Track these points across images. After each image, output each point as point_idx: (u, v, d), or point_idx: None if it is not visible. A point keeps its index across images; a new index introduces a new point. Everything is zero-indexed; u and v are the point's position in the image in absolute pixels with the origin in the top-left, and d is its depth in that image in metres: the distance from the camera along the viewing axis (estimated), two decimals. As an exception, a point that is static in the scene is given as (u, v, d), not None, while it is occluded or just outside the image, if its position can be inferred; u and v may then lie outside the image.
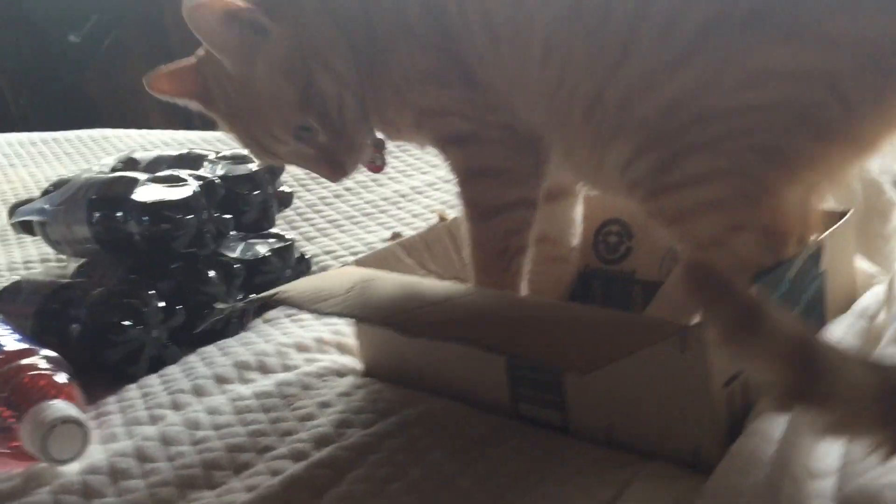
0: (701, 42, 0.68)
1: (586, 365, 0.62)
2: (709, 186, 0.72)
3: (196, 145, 1.91)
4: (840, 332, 0.76)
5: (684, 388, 0.67)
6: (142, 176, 1.10)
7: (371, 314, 0.79)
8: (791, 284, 0.75)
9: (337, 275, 0.87)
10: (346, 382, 0.90)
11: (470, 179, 0.85)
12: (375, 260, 0.95)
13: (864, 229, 0.98)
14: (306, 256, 1.23)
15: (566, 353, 0.65)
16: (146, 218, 1.05)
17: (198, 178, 1.10)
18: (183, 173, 1.09)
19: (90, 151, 2.28)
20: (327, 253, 1.29)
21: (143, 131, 2.35)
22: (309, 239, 1.35)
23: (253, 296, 0.87)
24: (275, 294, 0.83)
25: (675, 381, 0.68)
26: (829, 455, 0.61)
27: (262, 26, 0.80)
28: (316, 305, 0.79)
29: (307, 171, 0.92)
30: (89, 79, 3.70)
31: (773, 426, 0.65)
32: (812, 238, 0.78)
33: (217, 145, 1.93)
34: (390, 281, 0.85)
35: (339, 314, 0.80)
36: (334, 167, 0.86)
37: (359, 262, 0.94)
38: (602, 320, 0.73)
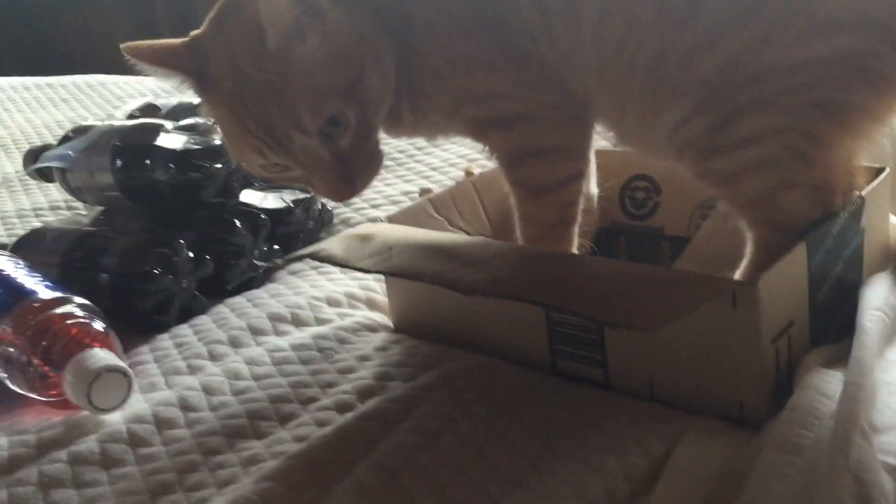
0: None
1: (650, 323, 0.62)
2: (764, 146, 0.71)
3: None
4: (884, 291, 0.76)
5: (733, 344, 0.68)
6: (167, 124, 1.08)
7: (418, 272, 0.77)
8: (835, 240, 0.75)
9: (372, 232, 0.86)
10: (380, 337, 0.89)
11: (520, 161, 0.84)
12: (405, 216, 0.95)
13: (893, 186, 0.99)
14: (329, 208, 1.22)
15: (628, 311, 0.65)
16: (173, 166, 1.03)
17: (224, 126, 1.07)
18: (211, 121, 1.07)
19: (87, 97, 2.24)
20: (347, 205, 1.28)
21: (139, 78, 2.31)
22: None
23: (296, 253, 0.86)
24: (319, 251, 0.82)
25: (723, 337, 0.68)
26: (889, 409, 0.62)
27: (321, 10, 0.76)
28: (362, 263, 0.78)
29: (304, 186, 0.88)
30: (62, 25, 3.62)
31: (827, 381, 0.66)
32: (855, 193, 0.78)
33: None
34: (430, 238, 0.84)
35: (387, 272, 0.79)
36: (345, 179, 0.79)
37: (390, 219, 0.94)
38: (653, 277, 0.73)
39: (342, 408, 0.77)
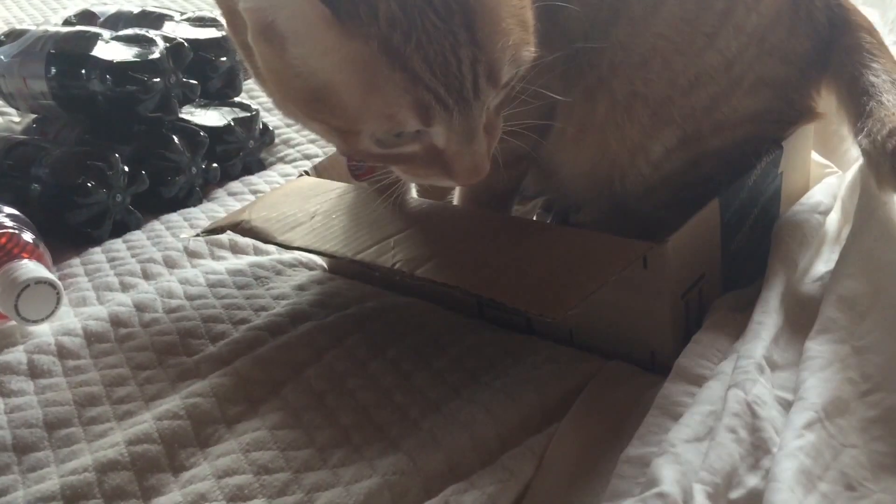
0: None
1: (558, 309, 0.62)
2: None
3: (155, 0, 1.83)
4: (793, 225, 0.79)
5: (644, 300, 0.70)
6: (105, 33, 1.05)
7: (340, 247, 0.75)
8: (750, 190, 0.78)
9: (296, 194, 0.84)
10: (318, 273, 0.90)
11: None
12: (330, 163, 0.93)
13: (823, 128, 1.02)
14: (270, 128, 1.21)
15: (537, 296, 0.65)
16: (110, 77, 1.01)
17: (165, 39, 1.05)
18: (150, 33, 1.05)
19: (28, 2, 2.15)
20: (289, 126, 1.27)
21: None
22: (269, 110, 1.32)
23: (214, 224, 0.84)
24: (237, 223, 0.80)
25: (635, 293, 0.70)
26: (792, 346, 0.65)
27: None
28: (284, 237, 0.77)
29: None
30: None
31: (733, 320, 0.69)
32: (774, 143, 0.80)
33: (178, 3, 1.84)
34: (349, 204, 0.82)
35: (309, 249, 0.76)
36: (486, 155, 0.63)
37: (317, 168, 0.92)
38: (569, 248, 0.71)
39: (274, 330, 0.79)
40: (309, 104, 0.59)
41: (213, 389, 0.70)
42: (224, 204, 1.06)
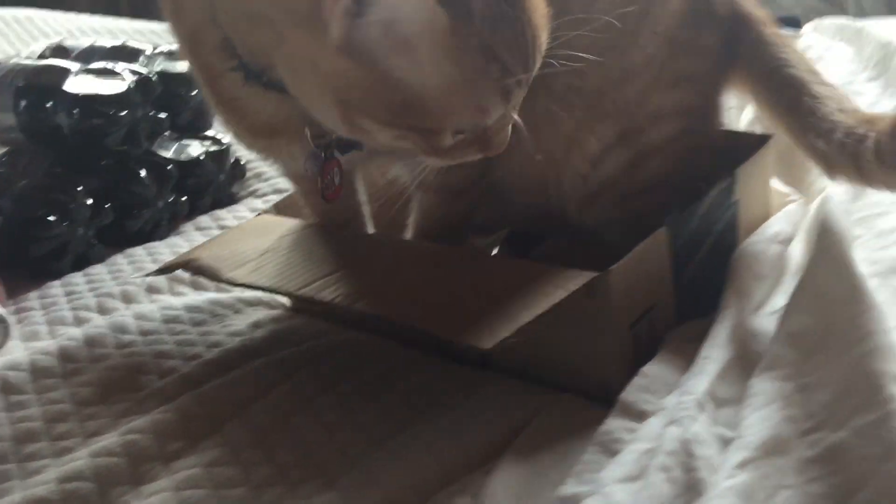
0: None
1: (488, 339, 0.62)
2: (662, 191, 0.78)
3: (128, 35, 1.84)
4: (749, 256, 0.78)
5: (592, 331, 0.69)
6: (74, 66, 1.05)
7: (283, 283, 0.75)
8: (702, 219, 0.77)
9: (252, 231, 0.84)
10: (277, 312, 0.88)
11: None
12: (291, 201, 0.92)
13: (789, 157, 1.01)
14: (241, 162, 1.21)
15: (469, 326, 0.64)
16: (77, 111, 1.01)
17: (133, 72, 1.05)
18: (118, 67, 1.05)
19: (13, 32, 2.17)
20: (262, 163, 1.26)
21: (71, 15, 2.24)
22: (245, 144, 1.32)
23: (167, 264, 0.84)
24: (188, 262, 0.80)
25: (583, 325, 0.69)
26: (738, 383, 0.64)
27: None
28: (230, 274, 0.76)
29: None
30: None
31: (683, 354, 0.68)
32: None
33: (150, 37, 1.85)
34: (301, 241, 0.81)
35: (252, 285, 0.76)
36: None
37: (277, 207, 0.92)
38: (513, 275, 0.71)
39: (224, 366, 0.78)
40: (393, 112, 0.59)
41: (154, 426, 0.69)
42: (190, 238, 1.06)
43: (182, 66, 1.14)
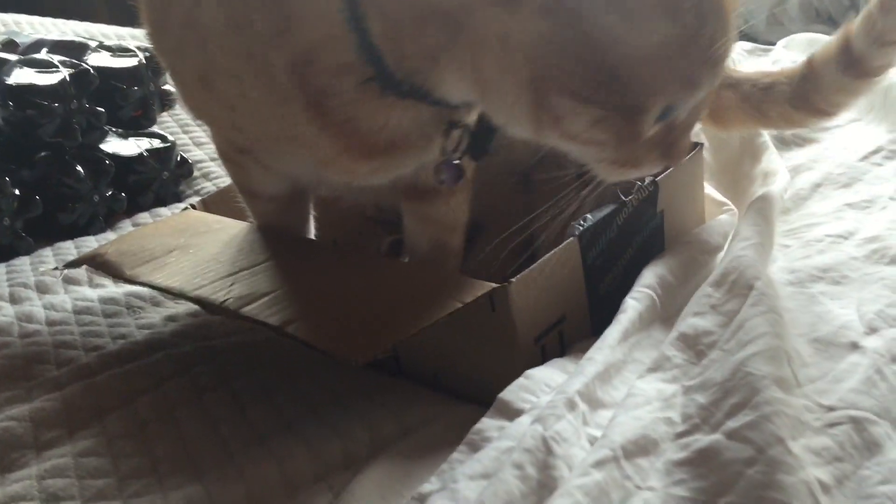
0: None
1: (365, 352, 0.59)
2: None
3: (112, 40, 1.84)
4: (662, 269, 0.75)
5: (496, 343, 0.67)
6: (12, 58, 1.05)
7: (181, 283, 0.72)
8: (620, 229, 0.74)
9: (168, 228, 0.82)
10: (197, 308, 0.86)
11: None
12: (220, 197, 0.90)
13: (735, 168, 0.99)
14: (189, 161, 1.20)
15: (350, 337, 0.62)
16: (11, 102, 1.00)
17: (72, 65, 1.05)
18: (56, 59, 1.04)
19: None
20: (213, 160, 1.25)
21: (81, 23, 2.24)
22: (199, 144, 1.31)
23: (75, 259, 0.83)
24: (93, 257, 0.78)
25: (487, 336, 0.67)
26: (623, 386, 0.61)
27: None
28: (132, 272, 0.74)
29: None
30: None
31: (573, 363, 0.66)
32: (647, 180, 0.76)
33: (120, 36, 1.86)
34: (213, 240, 0.79)
35: (150, 284, 0.73)
36: None
37: (205, 202, 0.90)
38: (411, 280, 0.69)
39: (124, 358, 0.76)
40: (597, 84, 0.54)
41: (33, 414, 0.67)
42: (124, 233, 1.04)
43: (124, 62, 1.14)
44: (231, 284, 0.70)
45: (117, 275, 0.75)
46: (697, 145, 0.84)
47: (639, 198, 0.75)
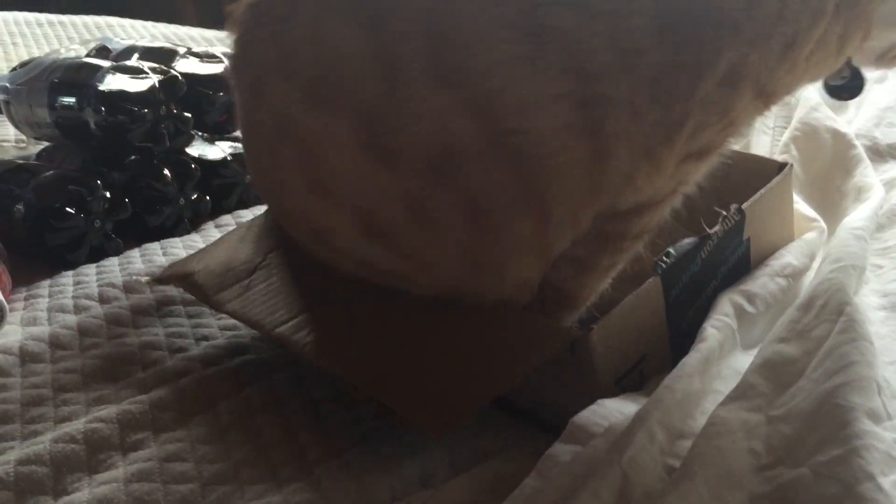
0: None
1: (440, 425, 0.59)
2: None
3: (201, 43, 1.89)
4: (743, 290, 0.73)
5: (574, 385, 0.65)
6: (105, 64, 1.08)
7: (263, 315, 0.72)
8: (703, 263, 0.71)
9: (252, 237, 0.82)
10: None
11: None
12: None
13: (825, 182, 0.96)
14: (270, 165, 1.22)
15: (427, 403, 0.60)
16: (103, 107, 1.04)
17: (161, 72, 1.08)
18: (146, 65, 1.07)
19: (93, 36, 2.26)
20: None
21: (146, 23, 2.31)
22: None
23: (162, 273, 0.85)
24: (184, 276, 0.79)
25: (564, 377, 0.65)
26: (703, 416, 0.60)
27: None
28: (217, 296, 0.75)
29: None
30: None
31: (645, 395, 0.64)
32: (733, 207, 0.74)
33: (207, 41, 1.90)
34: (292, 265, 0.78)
35: (233, 313, 0.74)
36: None
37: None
38: (479, 327, 0.65)
39: (207, 361, 0.78)
40: None
41: (119, 416, 0.69)
42: (208, 235, 1.07)
43: (211, 69, 1.17)
44: (308, 324, 0.69)
45: (205, 300, 0.76)
46: (786, 165, 0.81)
47: (724, 228, 0.72)
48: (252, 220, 0.89)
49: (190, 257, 0.84)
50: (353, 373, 0.65)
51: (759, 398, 0.58)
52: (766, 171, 0.81)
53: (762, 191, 0.76)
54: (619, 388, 0.66)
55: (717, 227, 0.71)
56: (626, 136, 0.57)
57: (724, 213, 0.72)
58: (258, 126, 0.68)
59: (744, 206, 0.74)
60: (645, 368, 0.68)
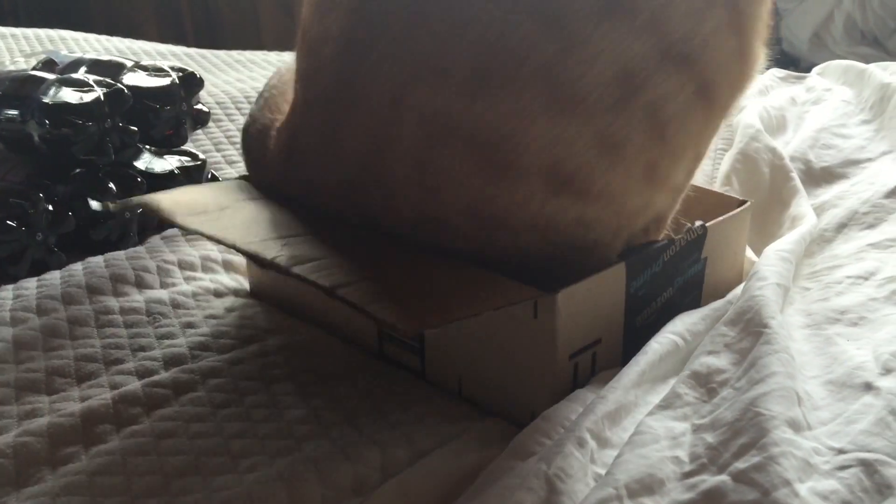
0: None
1: (414, 324, 0.60)
2: None
3: (156, 58, 1.88)
4: (693, 319, 0.75)
5: (531, 354, 0.67)
6: (50, 77, 1.07)
7: (234, 237, 0.73)
8: (665, 266, 0.74)
9: (222, 188, 0.83)
10: (220, 304, 0.89)
11: None
12: None
13: (764, 214, 0.98)
14: (220, 178, 1.22)
15: (399, 309, 0.62)
16: (47, 120, 1.03)
17: (106, 85, 1.07)
18: (91, 78, 1.07)
19: (46, 50, 2.23)
20: (246, 179, 1.27)
21: (125, 40, 2.29)
22: (231, 163, 1.33)
23: (130, 199, 0.86)
24: (149, 200, 0.80)
25: (523, 345, 0.67)
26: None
27: None
28: (186, 219, 0.75)
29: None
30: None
31: (593, 395, 0.65)
32: (697, 223, 0.78)
33: (198, 59, 1.90)
34: (265, 205, 0.81)
35: (202, 233, 0.75)
36: None
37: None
38: (460, 277, 0.69)
39: (142, 373, 0.77)
40: None
41: (49, 429, 0.68)
42: (154, 249, 1.06)
43: (157, 82, 1.16)
44: (283, 245, 0.70)
45: (170, 220, 0.77)
46: (745, 202, 0.84)
47: (687, 238, 0.75)
48: (220, 182, 0.88)
49: (153, 194, 0.84)
50: (328, 279, 0.65)
51: (686, 407, 0.59)
52: (728, 206, 0.84)
53: (725, 216, 0.80)
54: (571, 363, 0.68)
55: (681, 235, 0.75)
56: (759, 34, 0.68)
57: (689, 225, 0.76)
58: (399, 118, 0.66)
59: (707, 224, 0.78)
60: (598, 352, 0.70)
